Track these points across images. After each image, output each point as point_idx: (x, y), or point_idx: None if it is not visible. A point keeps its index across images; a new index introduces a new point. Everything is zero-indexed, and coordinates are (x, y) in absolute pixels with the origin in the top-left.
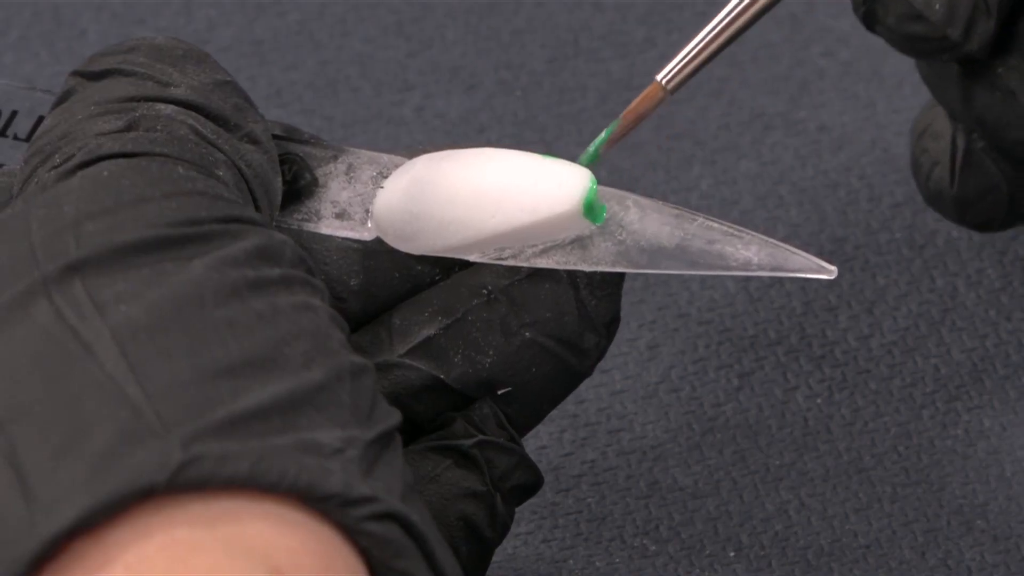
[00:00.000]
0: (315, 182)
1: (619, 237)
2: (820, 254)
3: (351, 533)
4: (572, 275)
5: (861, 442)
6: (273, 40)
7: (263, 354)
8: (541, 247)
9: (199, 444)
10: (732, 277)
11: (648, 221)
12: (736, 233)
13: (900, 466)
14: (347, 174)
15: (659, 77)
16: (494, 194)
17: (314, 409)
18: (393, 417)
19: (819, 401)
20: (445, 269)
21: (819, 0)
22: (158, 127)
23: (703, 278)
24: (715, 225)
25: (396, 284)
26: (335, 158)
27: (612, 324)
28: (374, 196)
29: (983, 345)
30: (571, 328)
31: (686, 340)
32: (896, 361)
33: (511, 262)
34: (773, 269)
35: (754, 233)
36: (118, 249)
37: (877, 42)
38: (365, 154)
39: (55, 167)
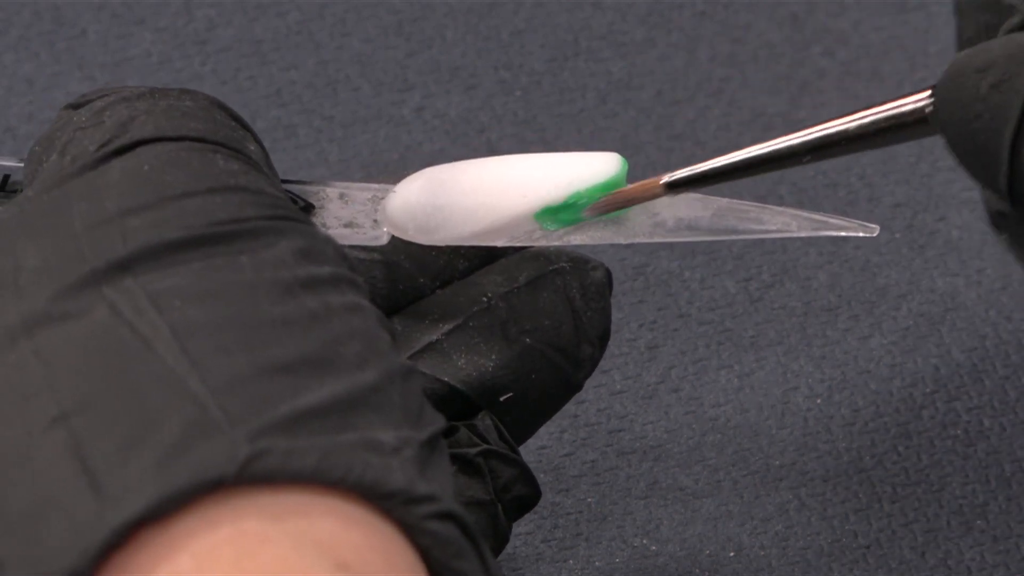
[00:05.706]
0: (310, 207)
1: (653, 211)
2: (820, 254)
3: (412, 532)
4: (567, 287)
5: (861, 442)
6: (273, 40)
7: (319, 353)
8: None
9: (265, 439)
10: (754, 240)
11: (678, 199)
12: (768, 206)
13: (900, 466)
14: (341, 199)
15: (666, 178)
16: (523, 175)
17: (370, 409)
18: (439, 420)
19: (819, 401)
20: (444, 282)
21: (819, 0)
22: (186, 99)
23: (703, 277)
24: (744, 203)
25: (399, 296)
26: (324, 189)
27: (604, 337)
28: (375, 211)
29: (983, 345)
30: (568, 337)
31: (686, 340)
32: (896, 361)
33: (543, 242)
34: (814, 229)
35: (785, 207)
36: (167, 245)
37: (877, 42)
38: (354, 184)
39: (100, 146)
